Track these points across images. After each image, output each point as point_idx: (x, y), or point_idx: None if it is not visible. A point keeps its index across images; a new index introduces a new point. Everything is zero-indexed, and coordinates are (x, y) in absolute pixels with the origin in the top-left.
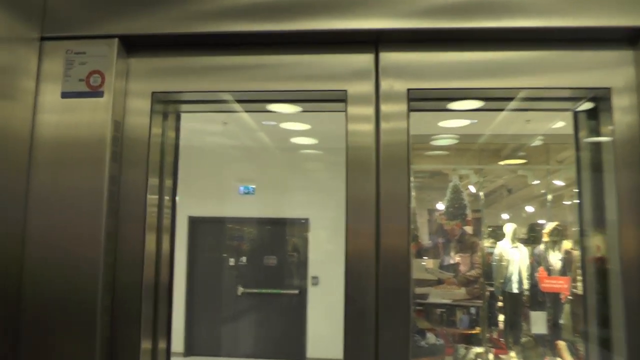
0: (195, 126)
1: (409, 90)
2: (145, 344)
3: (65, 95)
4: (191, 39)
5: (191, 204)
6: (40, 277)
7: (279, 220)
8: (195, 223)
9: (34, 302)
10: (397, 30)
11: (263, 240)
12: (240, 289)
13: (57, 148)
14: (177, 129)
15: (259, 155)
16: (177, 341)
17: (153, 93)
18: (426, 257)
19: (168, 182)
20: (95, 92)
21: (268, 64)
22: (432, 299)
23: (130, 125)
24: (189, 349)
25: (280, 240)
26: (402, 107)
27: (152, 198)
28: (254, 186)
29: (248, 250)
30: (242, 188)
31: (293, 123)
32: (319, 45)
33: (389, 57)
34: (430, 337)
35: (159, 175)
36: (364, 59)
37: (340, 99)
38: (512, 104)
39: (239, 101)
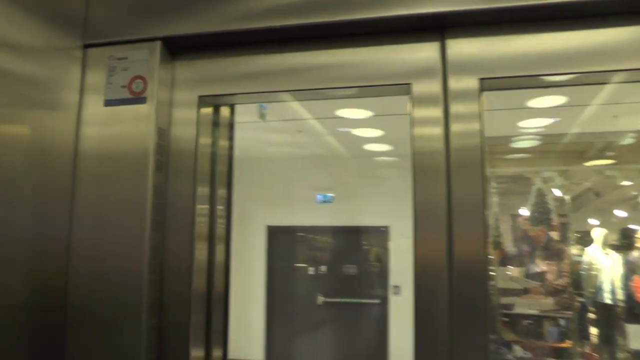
0: (268, 137)
1: (481, 80)
2: (196, 353)
3: (107, 103)
4: (238, 36)
5: (269, 213)
6: (85, 290)
7: (358, 228)
8: (273, 233)
9: (79, 316)
10: (465, 12)
11: (342, 249)
12: (321, 299)
13: (100, 159)
14: (231, 138)
15: (333, 164)
16: (258, 350)
17: (200, 97)
18: (511, 266)
19: (221, 191)
20: (138, 99)
21: (323, 60)
22: (518, 310)
23: (176, 133)
24: (270, 359)
25: (360, 248)
26: (474, 100)
27: (202, 208)
28: (332, 194)
29: (327, 259)
30: (320, 197)
31: (365, 129)
32: (378, 37)
33: (457, 45)
34: (517, 350)
35: (210, 184)
36: (428, 49)
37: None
38: (600, 97)
39: (292, 95)
